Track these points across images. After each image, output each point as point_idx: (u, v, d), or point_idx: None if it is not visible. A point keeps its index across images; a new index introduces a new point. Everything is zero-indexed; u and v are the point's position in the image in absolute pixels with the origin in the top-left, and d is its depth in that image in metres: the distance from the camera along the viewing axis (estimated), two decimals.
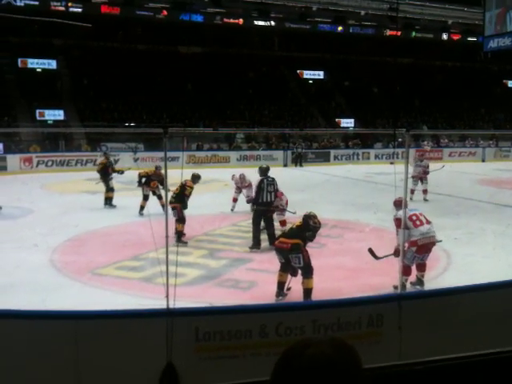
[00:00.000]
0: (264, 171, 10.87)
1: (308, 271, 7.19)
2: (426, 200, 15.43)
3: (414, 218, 7.52)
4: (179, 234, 10.37)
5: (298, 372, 1.25)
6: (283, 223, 10.80)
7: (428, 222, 7.71)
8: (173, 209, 10.46)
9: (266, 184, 10.45)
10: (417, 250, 7.52)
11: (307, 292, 7.17)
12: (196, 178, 11.22)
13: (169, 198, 9.64)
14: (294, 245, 7.19)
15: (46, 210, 13.87)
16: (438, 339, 5.08)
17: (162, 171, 13.38)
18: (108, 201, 14.41)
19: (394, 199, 8.16)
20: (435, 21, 42.50)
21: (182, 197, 10.63)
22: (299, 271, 7.32)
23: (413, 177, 15.38)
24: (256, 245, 10.19)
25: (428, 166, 15.90)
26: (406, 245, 7.65)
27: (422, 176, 15.71)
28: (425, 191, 15.63)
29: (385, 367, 3.10)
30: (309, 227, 7.51)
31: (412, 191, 15.25)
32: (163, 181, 12.16)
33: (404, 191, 5.88)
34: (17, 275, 8.31)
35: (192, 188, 10.87)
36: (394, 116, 35.40)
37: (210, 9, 36.97)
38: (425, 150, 30.99)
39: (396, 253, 7.66)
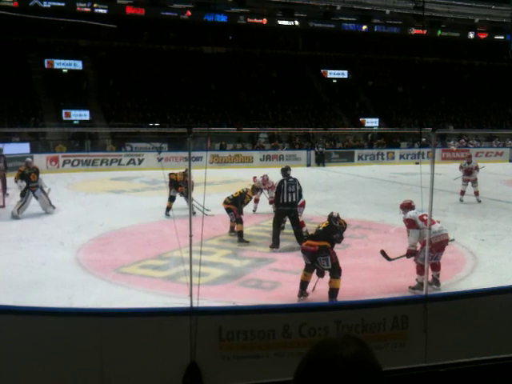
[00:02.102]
0: (284, 171, 10.87)
1: (336, 272, 7.19)
2: (479, 201, 15.29)
3: (425, 217, 7.44)
4: (240, 234, 10.70)
5: (336, 374, 1.24)
6: (302, 224, 10.74)
7: (438, 221, 7.70)
8: (229, 210, 11.02)
9: (286, 185, 10.40)
10: (430, 248, 7.41)
11: (333, 292, 7.16)
12: (256, 190, 11.81)
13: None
14: (322, 247, 7.21)
15: (71, 208, 14.05)
16: (464, 341, 5.00)
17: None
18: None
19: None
20: (462, 19, 41.82)
21: (238, 201, 11.03)
22: (326, 272, 7.30)
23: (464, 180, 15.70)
24: (276, 244, 10.21)
25: (476, 168, 15.78)
26: (419, 245, 7.69)
27: (468, 178, 15.67)
28: (476, 193, 15.46)
29: (410, 369, 3.06)
30: (335, 228, 7.48)
31: (462, 192, 15.58)
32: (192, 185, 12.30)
33: (430, 192, 5.79)
34: (43, 272, 8.44)
35: (251, 198, 11.61)
36: (419, 115, 34.96)
37: (234, 9, 37.00)
38: (451, 149, 30.68)
39: (408, 254, 7.72)
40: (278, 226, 10.47)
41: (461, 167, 16.14)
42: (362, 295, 7.24)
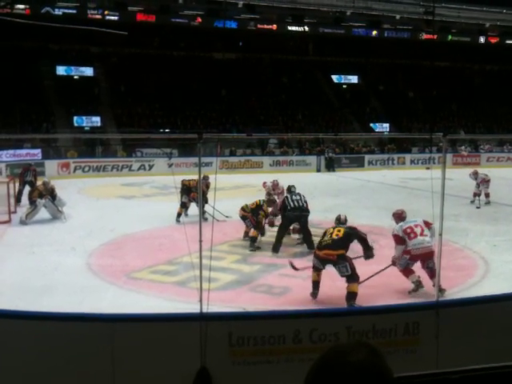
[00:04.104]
0: (289, 189, 11.35)
1: (354, 277, 7.31)
2: (487, 203, 15.77)
3: (409, 230, 7.95)
4: (253, 239, 10.65)
5: (344, 380, 1.24)
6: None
7: (422, 234, 7.89)
8: (244, 218, 11.05)
9: (291, 195, 10.70)
10: (410, 257, 7.89)
11: (351, 295, 7.23)
12: (272, 203, 11.58)
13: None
14: (340, 255, 7.34)
15: (83, 214, 14.13)
16: (476, 348, 4.96)
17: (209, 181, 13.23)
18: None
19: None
20: (472, 24, 41.67)
21: (254, 213, 10.94)
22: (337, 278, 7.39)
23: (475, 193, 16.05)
24: (276, 249, 10.23)
25: (482, 179, 16.01)
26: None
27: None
28: (487, 195, 15.93)
29: (421, 375, 3.04)
30: (351, 236, 7.59)
31: (475, 194, 15.94)
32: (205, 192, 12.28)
33: (441, 197, 5.75)
34: (55, 277, 8.49)
35: (266, 215, 11.12)
36: (430, 120, 34.82)
37: (244, 15, 37.14)
38: (462, 154, 30.51)
39: (393, 263, 8.10)
40: (283, 231, 10.50)
41: (470, 174, 16.52)
42: (372, 301, 7.20)
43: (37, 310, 5.52)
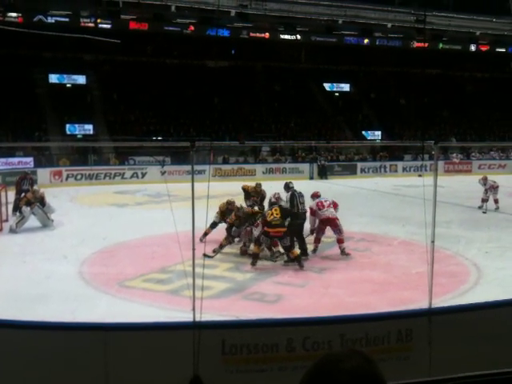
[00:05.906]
0: (287, 186, 11.19)
1: (293, 246, 9.75)
2: (497, 209, 15.98)
3: (320, 204, 10.52)
4: (221, 246, 10.54)
5: None
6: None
7: (329, 206, 10.51)
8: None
9: (298, 196, 10.64)
10: (320, 221, 10.46)
11: (299, 257, 9.56)
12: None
13: None
14: (285, 232, 9.55)
15: (75, 222, 14.07)
16: (468, 354, 4.97)
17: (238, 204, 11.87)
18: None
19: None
20: (463, 32, 42.02)
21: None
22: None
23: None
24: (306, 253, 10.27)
25: (490, 188, 16.20)
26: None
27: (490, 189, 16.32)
28: (496, 201, 16.15)
29: (414, 383, 3.04)
30: (286, 213, 9.81)
31: (483, 200, 16.03)
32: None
33: (433, 204, 5.79)
34: (47, 286, 8.44)
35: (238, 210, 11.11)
36: (422, 128, 34.99)
37: (237, 23, 37.25)
38: (454, 162, 30.67)
39: (311, 232, 10.75)
40: (302, 237, 10.48)
41: (479, 180, 16.65)
42: (366, 308, 7.21)
43: (30, 319, 5.49)
